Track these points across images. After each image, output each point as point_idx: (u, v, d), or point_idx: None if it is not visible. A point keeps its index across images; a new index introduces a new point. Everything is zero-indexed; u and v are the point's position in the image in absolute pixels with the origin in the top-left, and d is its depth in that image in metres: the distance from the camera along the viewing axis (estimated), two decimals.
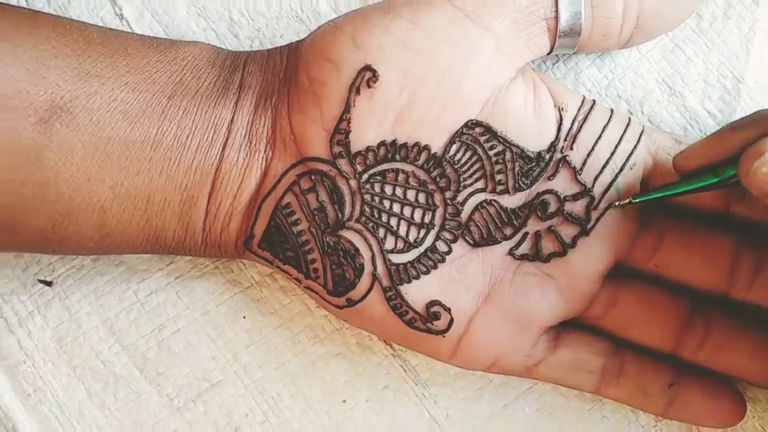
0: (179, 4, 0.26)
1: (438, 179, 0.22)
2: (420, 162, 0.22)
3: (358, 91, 0.21)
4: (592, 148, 0.23)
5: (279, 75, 0.23)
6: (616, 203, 0.22)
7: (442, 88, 0.21)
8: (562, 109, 0.23)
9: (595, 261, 0.23)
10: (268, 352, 0.26)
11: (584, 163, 0.22)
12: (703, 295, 0.23)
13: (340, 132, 0.22)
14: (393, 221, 0.22)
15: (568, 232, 0.23)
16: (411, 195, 0.22)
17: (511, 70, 0.22)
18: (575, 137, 0.23)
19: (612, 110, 0.23)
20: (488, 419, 0.25)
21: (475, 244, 0.23)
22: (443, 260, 0.23)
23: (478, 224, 0.23)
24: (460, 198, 0.22)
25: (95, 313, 0.26)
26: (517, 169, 0.22)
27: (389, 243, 0.22)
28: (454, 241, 0.23)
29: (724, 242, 0.23)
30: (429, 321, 0.22)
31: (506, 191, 0.23)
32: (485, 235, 0.23)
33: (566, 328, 0.24)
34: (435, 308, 0.22)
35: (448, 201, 0.23)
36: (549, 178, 0.23)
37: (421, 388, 0.26)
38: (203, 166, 0.22)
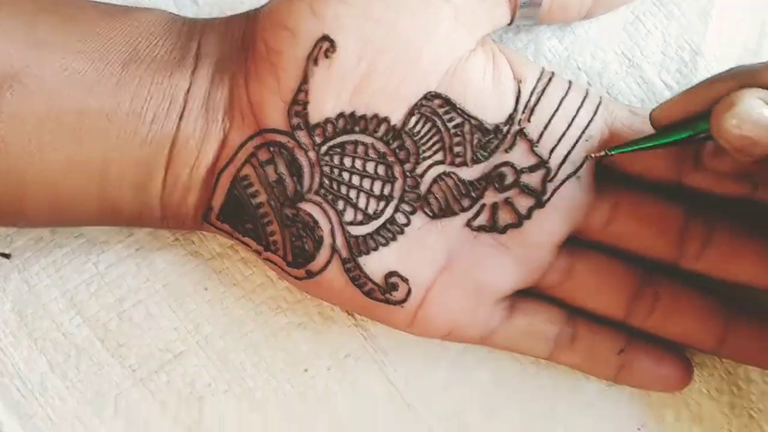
0: None
1: (397, 151, 0.22)
2: (379, 134, 0.22)
3: (315, 62, 0.21)
4: (549, 121, 0.23)
5: (237, 44, 0.22)
6: (592, 154, 0.23)
7: (402, 58, 0.21)
8: (521, 81, 0.23)
9: (549, 232, 0.23)
10: (230, 323, 0.26)
11: (541, 136, 0.23)
12: (654, 264, 0.24)
13: (298, 103, 0.22)
14: (352, 193, 0.22)
15: (524, 203, 0.23)
16: (370, 167, 0.22)
17: (471, 41, 0.22)
18: (533, 109, 0.23)
19: (570, 82, 0.23)
20: (446, 385, 0.26)
21: (434, 216, 0.23)
22: (402, 232, 0.23)
23: (437, 196, 0.23)
24: (419, 170, 0.23)
25: (55, 286, 0.26)
26: (475, 141, 0.23)
27: (348, 215, 0.22)
28: (413, 212, 0.23)
29: (675, 213, 0.24)
30: (387, 292, 0.23)
31: (464, 163, 0.23)
32: (443, 207, 0.23)
33: (522, 296, 0.24)
34: (393, 279, 0.23)
35: (407, 173, 0.23)
36: (506, 151, 0.23)
37: (381, 356, 0.26)
38: (159, 137, 0.22)
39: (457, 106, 0.22)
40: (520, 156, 0.23)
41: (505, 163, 0.23)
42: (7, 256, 0.26)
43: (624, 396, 0.26)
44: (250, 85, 0.22)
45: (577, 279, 0.24)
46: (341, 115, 0.22)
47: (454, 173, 0.23)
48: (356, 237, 0.23)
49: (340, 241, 0.23)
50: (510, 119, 0.23)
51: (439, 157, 0.23)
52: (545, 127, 0.23)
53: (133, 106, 0.21)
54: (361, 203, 0.23)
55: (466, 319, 0.23)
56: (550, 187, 0.23)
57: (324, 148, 0.22)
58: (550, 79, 0.23)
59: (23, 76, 0.21)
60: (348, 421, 0.26)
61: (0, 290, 0.26)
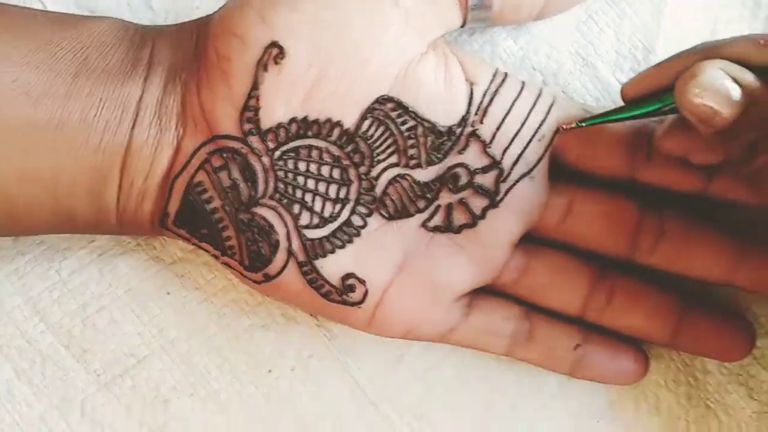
0: None
1: (351, 155, 0.23)
2: (333, 138, 0.22)
3: (265, 68, 0.21)
4: (502, 122, 0.23)
5: (189, 51, 0.22)
6: (564, 126, 0.23)
7: (352, 63, 0.22)
8: (474, 82, 0.23)
9: (504, 231, 0.23)
10: (193, 327, 0.26)
11: (494, 137, 0.23)
12: (610, 259, 0.25)
13: (249, 109, 0.22)
14: (308, 197, 0.23)
15: (478, 203, 0.23)
16: (325, 171, 0.23)
17: (422, 44, 0.22)
18: (486, 111, 0.23)
19: (523, 82, 0.24)
20: (410, 383, 0.26)
21: (390, 218, 0.23)
22: (358, 234, 0.23)
23: (393, 198, 0.23)
24: (374, 173, 0.23)
25: (18, 293, 0.26)
26: (428, 143, 0.23)
27: (304, 218, 0.23)
28: (369, 215, 0.23)
29: (629, 209, 0.24)
30: (344, 293, 0.23)
31: (419, 165, 0.23)
32: (399, 209, 0.23)
33: (480, 294, 0.25)
34: (350, 281, 0.23)
35: (363, 176, 0.23)
36: (460, 152, 0.23)
37: (345, 356, 0.26)
38: (112, 146, 0.22)
39: (410, 109, 0.22)
40: (473, 157, 0.23)
41: (459, 165, 0.23)
42: None
43: (584, 389, 0.26)
44: (202, 93, 0.22)
45: (532, 276, 0.24)
46: (293, 120, 0.22)
47: (408, 175, 0.23)
48: (312, 240, 0.23)
49: (296, 244, 0.23)
50: (463, 121, 0.23)
51: (393, 159, 0.23)
52: (498, 128, 0.23)
53: (84, 115, 0.21)
54: (317, 206, 0.23)
55: (424, 318, 0.24)
56: (504, 187, 0.23)
57: (277, 153, 0.22)
58: (503, 80, 0.23)
59: None
60: (312, 421, 0.26)
61: None
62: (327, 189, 0.23)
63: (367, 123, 0.22)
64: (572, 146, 0.24)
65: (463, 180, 0.23)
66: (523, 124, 0.23)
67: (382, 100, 0.22)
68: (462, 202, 0.23)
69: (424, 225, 0.23)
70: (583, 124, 0.23)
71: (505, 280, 0.24)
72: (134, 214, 0.23)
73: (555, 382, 0.26)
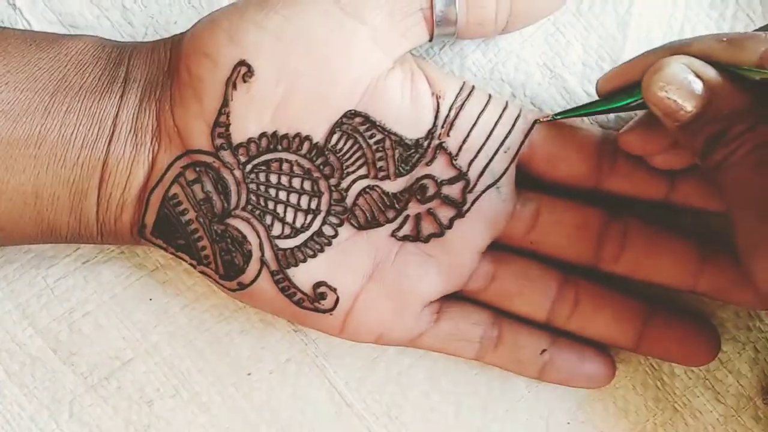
0: None
1: (322, 167, 0.23)
2: (303, 151, 0.23)
3: (234, 86, 0.22)
4: (468, 134, 0.24)
5: (163, 68, 0.23)
6: (541, 118, 0.24)
7: (319, 79, 0.22)
8: (440, 96, 0.24)
9: (471, 240, 0.24)
10: (175, 331, 0.27)
11: (460, 149, 0.24)
12: (576, 267, 0.25)
13: (220, 125, 0.23)
14: (279, 208, 0.24)
15: (445, 214, 0.24)
16: (296, 182, 0.24)
17: (388, 60, 0.23)
18: (452, 124, 0.24)
19: (490, 95, 0.24)
20: (384, 385, 0.27)
21: (360, 227, 0.24)
22: (329, 243, 0.24)
23: (363, 208, 0.24)
24: (344, 184, 0.24)
25: (7, 299, 0.27)
26: (396, 155, 0.24)
27: (276, 229, 0.24)
28: (340, 225, 0.24)
29: (593, 218, 0.25)
30: (316, 301, 0.24)
31: (387, 177, 0.24)
32: (369, 219, 0.24)
33: (449, 300, 0.25)
34: (321, 289, 0.24)
35: (333, 187, 0.24)
36: (427, 164, 0.24)
37: (322, 360, 0.27)
38: (90, 161, 0.23)
39: (377, 123, 0.23)
40: (440, 169, 0.24)
41: (427, 176, 0.24)
42: None
43: (554, 392, 0.27)
44: (176, 110, 0.23)
45: (500, 283, 0.25)
46: (263, 134, 0.23)
47: (378, 186, 0.24)
48: (284, 250, 0.24)
49: (268, 254, 0.24)
50: (430, 134, 0.24)
51: (362, 171, 0.24)
52: (464, 141, 0.24)
53: (62, 132, 0.22)
54: (289, 217, 0.24)
55: (394, 325, 0.25)
56: (470, 197, 0.24)
57: (249, 167, 0.23)
58: (469, 94, 0.24)
59: None
60: (291, 422, 0.27)
61: None
62: (298, 200, 0.24)
63: (336, 137, 0.23)
64: (540, 159, 0.24)
65: (431, 191, 0.24)
66: (488, 137, 0.24)
67: (350, 114, 0.23)
68: (430, 213, 0.24)
69: (393, 234, 0.24)
70: (559, 117, 0.24)
71: (474, 287, 0.25)
72: (114, 225, 0.24)
73: (525, 385, 0.27)
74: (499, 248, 0.25)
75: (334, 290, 0.24)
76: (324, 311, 0.24)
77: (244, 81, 0.22)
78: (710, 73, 0.20)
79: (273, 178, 0.23)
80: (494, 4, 0.23)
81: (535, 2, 0.24)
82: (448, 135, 0.24)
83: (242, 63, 0.22)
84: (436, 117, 0.23)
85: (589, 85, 0.26)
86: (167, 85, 0.23)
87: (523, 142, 0.24)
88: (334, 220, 0.24)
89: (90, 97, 0.23)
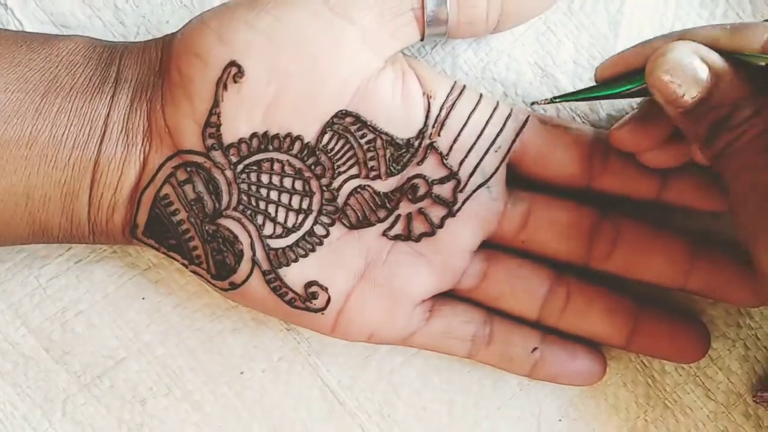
0: None
1: (313, 167, 0.23)
2: (294, 151, 0.23)
3: (225, 87, 0.22)
4: (459, 134, 0.24)
5: (154, 68, 0.23)
6: (540, 101, 0.24)
7: (310, 80, 0.22)
8: (431, 96, 0.24)
9: (462, 239, 0.24)
10: (168, 330, 0.27)
11: (451, 148, 0.24)
12: (566, 265, 0.25)
13: (211, 125, 0.23)
14: (271, 208, 0.24)
15: (436, 213, 0.24)
16: (287, 182, 0.24)
17: (379, 60, 0.23)
18: (443, 123, 0.24)
19: (481, 95, 0.24)
20: (377, 383, 0.27)
21: (351, 227, 0.24)
22: (321, 243, 0.24)
23: (354, 208, 0.24)
24: (336, 184, 0.24)
25: (0, 299, 0.27)
26: (388, 155, 0.24)
27: (268, 229, 0.24)
28: (332, 224, 0.24)
29: (584, 217, 0.25)
30: (307, 300, 0.24)
31: (379, 176, 0.24)
32: (361, 218, 0.24)
33: (442, 299, 0.25)
34: (313, 288, 0.24)
35: (324, 187, 0.24)
36: (418, 163, 0.24)
37: (314, 358, 0.27)
38: (81, 162, 0.23)
39: (368, 123, 0.23)
40: (431, 168, 0.24)
41: (418, 176, 0.24)
42: None
43: (546, 389, 0.27)
44: (166, 110, 0.23)
45: (491, 282, 0.25)
46: (254, 135, 0.23)
47: (369, 186, 0.24)
48: (276, 249, 0.24)
49: (260, 254, 0.24)
50: (420, 133, 0.24)
51: (354, 171, 0.24)
52: (455, 140, 0.24)
53: (53, 133, 0.22)
54: (280, 217, 0.24)
55: (385, 323, 0.25)
56: (461, 197, 0.24)
57: (240, 167, 0.23)
58: (460, 93, 0.24)
59: None
60: (283, 421, 0.27)
61: None
62: (290, 200, 0.24)
63: (327, 136, 0.23)
64: (530, 158, 0.24)
65: (422, 190, 0.24)
66: (479, 136, 0.24)
67: (341, 114, 0.23)
68: (421, 212, 0.24)
69: (385, 234, 0.24)
70: (558, 100, 0.23)
71: (465, 286, 0.25)
72: (106, 225, 0.24)
73: (517, 382, 0.27)
74: (490, 247, 0.25)
75: (326, 290, 0.24)
76: (315, 311, 0.24)
77: (235, 81, 0.22)
78: (715, 58, 0.20)
79: (264, 178, 0.23)
80: (485, 3, 0.23)
81: (525, 1, 0.24)
82: (438, 134, 0.24)
83: (233, 63, 0.22)
84: (427, 116, 0.24)
85: (579, 83, 0.26)
86: (158, 85, 0.23)
87: (513, 142, 0.24)
88: (325, 219, 0.24)
89: (81, 98, 0.23)
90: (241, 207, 0.23)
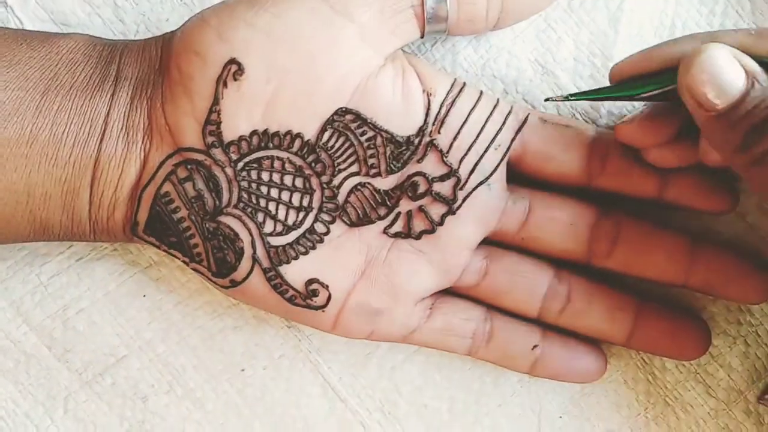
0: None
1: (313, 165, 0.23)
2: (294, 149, 0.23)
3: (225, 84, 0.22)
4: (459, 131, 0.24)
5: (154, 66, 0.23)
6: (553, 97, 0.23)
7: (309, 77, 0.22)
8: (431, 93, 0.24)
9: (462, 237, 0.24)
10: (169, 328, 0.27)
11: (451, 146, 0.24)
12: (567, 263, 0.25)
13: (211, 123, 0.23)
14: (271, 206, 0.24)
15: (436, 210, 0.24)
16: (288, 180, 0.24)
17: (379, 58, 0.23)
18: (443, 121, 0.24)
19: (481, 92, 0.24)
20: (378, 380, 0.27)
21: (352, 224, 0.24)
22: (321, 241, 0.24)
23: (354, 206, 0.24)
24: (336, 181, 0.24)
25: (1, 296, 0.27)
26: (388, 153, 0.24)
27: (268, 226, 0.24)
28: (332, 222, 0.24)
29: (585, 215, 0.25)
30: (308, 297, 0.24)
31: (379, 174, 0.24)
32: (361, 216, 0.24)
33: (443, 296, 0.26)
34: (313, 286, 0.24)
35: (325, 185, 0.24)
36: (418, 161, 0.24)
37: (315, 355, 0.27)
38: (81, 159, 0.23)
39: (368, 120, 0.23)
40: (431, 166, 0.24)
41: (418, 173, 0.24)
42: None
43: (547, 386, 0.27)
44: (166, 108, 0.23)
45: (492, 279, 0.25)
46: (255, 132, 0.23)
47: (369, 183, 0.24)
48: (276, 247, 0.24)
49: (260, 251, 0.24)
50: (420, 131, 0.24)
51: (354, 168, 0.24)
52: (455, 138, 0.24)
53: (53, 131, 0.22)
54: (281, 215, 0.24)
55: (386, 321, 0.25)
56: (461, 194, 0.24)
57: (240, 164, 0.23)
58: (460, 91, 0.24)
59: None
60: (285, 418, 0.27)
61: None
62: (290, 198, 0.24)
63: (327, 134, 0.23)
64: (531, 156, 0.24)
65: (422, 188, 0.24)
66: (479, 134, 0.24)
67: (341, 112, 0.23)
68: (421, 210, 0.24)
69: (385, 231, 0.24)
70: (573, 98, 0.23)
71: (466, 283, 0.25)
72: (106, 223, 0.24)
73: (518, 379, 0.27)
74: (491, 244, 0.25)
75: (326, 287, 0.24)
76: (316, 308, 0.24)
77: (235, 79, 0.22)
78: (749, 62, 0.20)
79: (264, 176, 0.23)
80: (485, 0, 0.23)
81: None
82: (439, 132, 0.24)
83: (232, 61, 0.22)
84: (427, 114, 0.24)
85: (580, 80, 0.26)
86: (158, 83, 0.23)
87: (513, 139, 0.24)
88: (325, 217, 0.24)
89: (81, 96, 0.23)
90: (241, 204, 0.23)
